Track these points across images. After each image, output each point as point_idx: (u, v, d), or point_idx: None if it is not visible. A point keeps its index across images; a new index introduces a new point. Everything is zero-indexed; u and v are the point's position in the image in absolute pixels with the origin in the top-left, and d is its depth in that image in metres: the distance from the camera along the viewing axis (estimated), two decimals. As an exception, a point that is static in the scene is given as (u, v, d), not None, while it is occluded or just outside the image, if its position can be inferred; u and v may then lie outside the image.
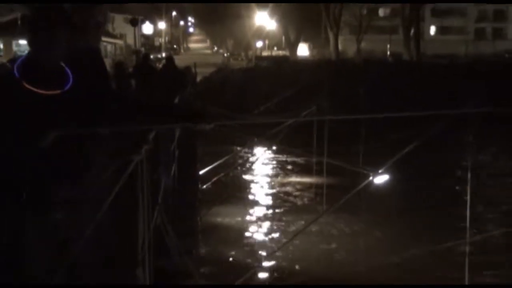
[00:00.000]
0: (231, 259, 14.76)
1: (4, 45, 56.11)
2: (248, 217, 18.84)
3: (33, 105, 3.95)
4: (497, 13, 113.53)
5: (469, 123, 8.15)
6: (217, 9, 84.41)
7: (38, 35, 4.09)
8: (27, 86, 3.97)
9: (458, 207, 8.60)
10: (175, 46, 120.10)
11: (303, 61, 69.63)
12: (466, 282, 7.53)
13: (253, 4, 76.51)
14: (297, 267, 14.04)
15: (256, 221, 18.55)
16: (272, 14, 78.90)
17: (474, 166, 8.41)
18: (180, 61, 46.05)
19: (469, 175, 8.20)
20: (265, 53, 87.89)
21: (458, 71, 46.15)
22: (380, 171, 12.09)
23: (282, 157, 26.90)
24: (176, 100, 14.89)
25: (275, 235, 17.16)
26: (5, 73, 4.03)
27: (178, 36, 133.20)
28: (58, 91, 4.10)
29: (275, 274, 13.62)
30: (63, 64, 4.15)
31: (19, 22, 51.75)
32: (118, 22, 75.89)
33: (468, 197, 8.00)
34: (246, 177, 24.61)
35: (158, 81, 17.38)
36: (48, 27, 4.06)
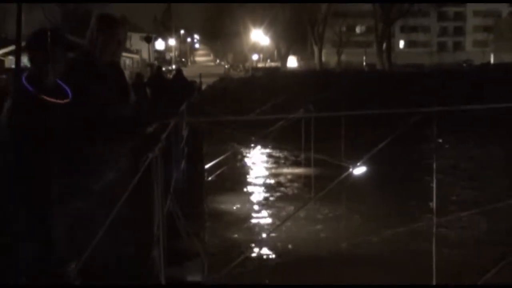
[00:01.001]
0: (233, 237, 14.78)
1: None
2: (246, 204, 18.85)
3: (48, 111, 3.94)
4: (456, 29, 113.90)
5: (433, 121, 8.10)
6: (219, 28, 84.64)
7: (36, 54, 4.10)
8: (43, 97, 3.95)
9: (425, 193, 8.58)
10: (183, 59, 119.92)
11: (292, 71, 69.68)
12: (434, 254, 7.47)
13: (249, 23, 76.65)
14: (289, 245, 14.03)
15: (253, 207, 18.56)
16: (265, 32, 79.19)
17: (438, 158, 8.38)
18: (187, 72, 46.06)
19: (434, 166, 8.15)
20: (260, 65, 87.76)
21: (423, 78, 46.23)
22: (358, 163, 12.07)
23: (275, 153, 26.91)
24: (184, 105, 14.84)
25: (270, 219, 17.17)
26: (21, 89, 4.01)
27: (185, 51, 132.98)
28: (66, 100, 4.09)
29: (271, 252, 13.61)
30: (58, 80, 4.14)
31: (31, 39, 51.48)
32: (135, 40, 75.84)
33: (434, 185, 7.96)
34: (244, 170, 24.63)
35: (169, 89, 17.37)
36: (45, 48, 4.06)
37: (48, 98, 3.97)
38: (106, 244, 3.70)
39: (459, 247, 13.01)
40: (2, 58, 43.82)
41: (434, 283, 7.29)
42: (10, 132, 3.89)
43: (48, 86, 4.04)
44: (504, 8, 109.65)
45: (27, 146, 3.84)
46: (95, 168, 4.27)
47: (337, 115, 18.10)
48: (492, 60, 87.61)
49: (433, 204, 8.05)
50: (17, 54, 3.40)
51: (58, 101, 4.02)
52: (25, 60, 4.51)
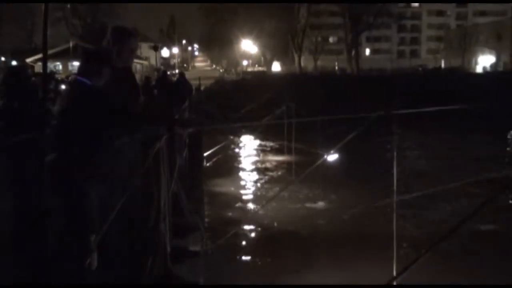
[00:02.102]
0: (228, 214, 14.78)
1: (62, 66, 55.67)
2: (238, 186, 18.84)
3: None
4: (413, 39, 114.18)
5: (395, 118, 8.13)
6: (215, 38, 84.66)
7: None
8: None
9: (388, 177, 8.64)
10: (185, 65, 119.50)
11: (276, 75, 69.57)
12: (394, 229, 7.50)
13: (240, 34, 76.64)
14: (274, 221, 14.04)
15: (244, 189, 18.55)
16: (254, 41, 79.20)
17: (399, 149, 8.39)
18: (188, 75, 45.98)
19: (395, 154, 8.18)
20: (249, 69, 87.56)
21: (385, 80, 46.35)
22: (331, 152, 12.10)
23: (262, 143, 26.90)
24: (187, 103, 14.81)
25: (258, 198, 17.18)
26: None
27: (187, 58, 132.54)
28: None
29: (259, 226, 13.62)
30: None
31: (71, 49, 51.78)
32: (144, 48, 75.44)
33: (395, 170, 7.99)
34: (237, 157, 24.62)
35: (173, 90, 17.29)
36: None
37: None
38: (121, 220, 3.70)
39: (415, 221, 13.09)
40: (33, 64, 43.67)
41: (394, 249, 7.33)
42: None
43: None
44: (452, 22, 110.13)
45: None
46: (112, 156, 4.27)
47: (314, 115, 18.15)
48: (442, 65, 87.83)
49: (394, 186, 8.11)
50: (44, 60, 3.37)
51: None
52: (51, 66, 4.50)
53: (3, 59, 63.01)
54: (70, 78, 4.22)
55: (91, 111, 3.89)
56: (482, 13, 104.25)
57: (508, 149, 28.46)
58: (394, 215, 7.72)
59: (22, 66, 5.60)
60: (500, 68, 72.26)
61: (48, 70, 5.17)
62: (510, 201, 14.74)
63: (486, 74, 62.29)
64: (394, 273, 6.91)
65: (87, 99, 3.95)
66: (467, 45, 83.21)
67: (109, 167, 4.03)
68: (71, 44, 54.01)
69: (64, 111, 3.92)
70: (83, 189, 3.82)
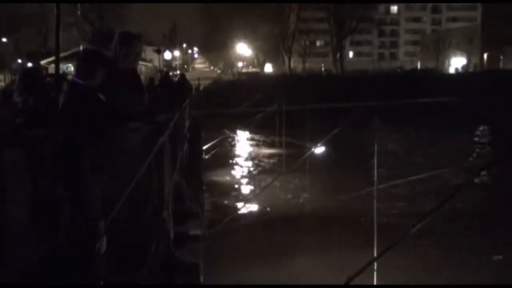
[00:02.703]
0: (224, 201, 14.80)
1: (74, 67, 55.37)
2: (234, 176, 18.87)
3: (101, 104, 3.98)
4: (392, 43, 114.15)
5: (376, 113, 8.14)
6: (213, 42, 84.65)
7: (86, 67, 4.13)
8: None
9: (369, 167, 8.67)
10: (185, 66, 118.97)
11: (268, 75, 69.48)
12: (375, 214, 7.52)
13: (235, 38, 76.60)
14: (267, 207, 14.07)
15: (239, 179, 18.57)
16: (248, 45, 79.18)
17: (379, 141, 8.41)
18: (188, 76, 45.96)
19: (375, 147, 8.20)
20: (244, 70, 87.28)
21: (367, 80, 46.38)
22: (319, 145, 12.12)
23: (256, 137, 26.91)
24: (187, 101, 14.76)
25: (252, 187, 17.20)
26: (73, 83, 4.03)
27: (187, 60, 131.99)
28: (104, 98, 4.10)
29: (253, 212, 13.64)
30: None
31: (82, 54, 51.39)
32: (148, 51, 75.11)
33: (375, 161, 8.01)
34: (233, 150, 24.63)
35: (175, 89, 17.22)
36: (91, 64, 4.11)
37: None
38: (128, 208, 3.69)
39: (394, 206, 13.13)
40: (47, 65, 43.44)
41: (375, 231, 7.33)
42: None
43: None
44: (427, 27, 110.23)
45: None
46: (118, 149, 4.24)
47: (302, 112, 18.21)
48: (419, 66, 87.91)
49: (375, 176, 8.13)
50: (56, 62, 3.35)
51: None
52: (64, 67, 4.48)
53: (19, 61, 62.66)
54: (70, 78, 4.19)
55: (85, 109, 3.86)
56: (455, 19, 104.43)
57: (476, 139, 28.58)
58: (375, 201, 7.75)
59: (37, 67, 5.57)
60: (471, 69, 72.56)
61: (61, 71, 5.15)
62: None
63: (458, 74, 62.46)
64: (375, 254, 6.92)
65: (80, 98, 3.91)
66: (441, 48, 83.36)
67: (111, 160, 4.01)
68: (81, 48, 53.72)
69: (62, 109, 3.90)
70: (87, 180, 3.80)
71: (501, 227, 12.15)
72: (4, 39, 65.78)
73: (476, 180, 14.74)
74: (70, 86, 4.04)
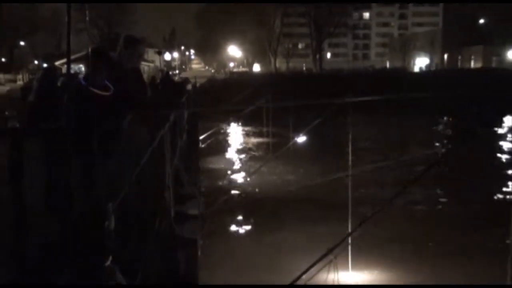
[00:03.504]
0: (219, 184, 14.77)
1: (85, 68, 54.79)
2: (227, 162, 18.84)
3: (94, 99, 3.92)
4: (364, 45, 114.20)
5: (349, 108, 8.15)
6: (207, 45, 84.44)
7: (90, 65, 4.09)
8: (91, 89, 3.92)
9: (344, 155, 8.69)
10: (183, 66, 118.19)
11: (257, 74, 69.27)
12: (349, 195, 7.53)
13: (227, 41, 76.43)
14: (256, 189, 14.08)
15: (232, 165, 18.55)
16: (238, 47, 78.99)
17: (354, 132, 8.42)
18: (186, 75, 46.04)
19: (349, 137, 8.21)
20: (235, 70, 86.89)
21: (343, 77, 46.40)
22: (301, 135, 12.12)
23: (246, 128, 26.88)
24: (185, 97, 14.66)
25: (243, 172, 17.19)
26: (78, 83, 3.98)
27: (185, 61, 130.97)
28: (108, 93, 4.05)
29: (244, 194, 13.64)
30: (105, 81, 4.11)
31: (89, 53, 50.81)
32: (150, 53, 74.54)
33: (350, 149, 8.02)
34: (226, 139, 24.58)
35: (174, 86, 17.10)
36: (95, 62, 4.07)
37: (95, 90, 3.94)
38: (134, 190, 3.67)
39: (365, 188, 13.17)
40: (61, 66, 42.89)
41: (349, 209, 7.35)
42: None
43: (97, 83, 4.01)
44: (395, 31, 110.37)
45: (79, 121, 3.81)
46: (124, 138, 4.22)
47: (286, 106, 18.19)
48: (388, 66, 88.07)
49: (349, 161, 8.15)
50: (68, 63, 3.32)
51: (103, 93, 3.99)
52: (76, 68, 4.44)
53: (36, 62, 61.97)
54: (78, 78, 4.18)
55: (80, 105, 3.85)
56: (419, 24, 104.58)
57: (437, 129, 28.74)
58: (349, 184, 7.77)
59: (51, 67, 5.50)
60: (433, 68, 72.87)
61: (73, 71, 5.09)
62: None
63: (421, 72, 62.77)
64: (349, 229, 6.94)
65: (82, 97, 3.89)
66: (407, 49, 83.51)
67: (118, 147, 3.99)
68: (90, 50, 53.07)
69: (68, 106, 3.89)
70: (100, 165, 3.78)
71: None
72: (22, 43, 65.08)
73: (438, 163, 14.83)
74: (75, 87, 4.02)
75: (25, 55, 65.19)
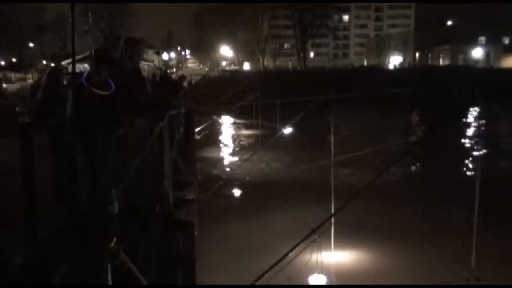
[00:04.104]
0: (213, 172, 14.75)
1: (89, 67, 54.32)
2: (221, 152, 18.81)
3: (95, 99, 3.88)
4: (344, 45, 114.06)
5: (331, 103, 8.16)
6: (201, 45, 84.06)
7: (93, 65, 4.03)
8: (92, 89, 3.88)
9: (327, 144, 8.70)
10: (180, 65, 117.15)
11: (246, 72, 69.04)
12: (332, 179, 7.54)
13: (220, 42, 76.03)
14: (247, 176, 14.10)
15: (225, 154, 18.52)
16: (230, 47, 78.64)
17: (335, 124, 8.44)
18: (182, 73, 45.84)
19: (332, 128, 8.23)
20: (227, 68, 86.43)
21: (325, 75, 46.40)
22: (287, 127, 12.14)
23: (237, 121, 26.80)
24: (181, 93, 14.58)
25: (235, 161, 17.18)
26: (80, 83, 3.93)
27: (181, 60, 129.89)
28: (108, 92, 4.01)
29: (236, 180, 13.64)
30: (108, 79, 4.05)
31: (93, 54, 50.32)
32: (149, 53, 73.93)
33: (332, 139, 8.05)
34: (219, 131, 24.51)
35: (172, 83, 17.00)
36: (98, 63, 4.02)
37: (96, 90, 3.89)
38: (136, 177, 3.66)
39: (346, 174, 13.24)
40: (67, 66, 42.30)
41: (332, 193, 7.37)
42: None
43: (98, 82, 3.96)
44: (372, 32, 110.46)
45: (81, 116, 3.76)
46: (128, 131, 4.19)
47: (274, 102, 18.20)
48: (365, 63, 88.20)
49: (331, 151, 8.17)
50: (73, 63, 3.28)
51: (103, 92, 3.94)
52: (81, 67, 4.39)
53: (44, 62, 61.18)
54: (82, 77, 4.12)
55: (85, 104, 3.82)
56: (393, 26, 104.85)
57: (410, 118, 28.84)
58: (332, 170, 7.80)
59: (57, 67, 5.41)
60: (406, 65, 73.16)
61: (78, 70, 5.03)
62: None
63: (395, 69, 62.94)
64: (332, 209, 6.97)
65: (79, 95, 3.85)
66: (382, 49, 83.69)
67: (123, 139, 3.96)
68: (93, 50, 52.47)
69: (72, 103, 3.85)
70: (104, 155, 3.75)
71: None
72: (31, 44, 64.28)
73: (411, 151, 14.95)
74: (78, 86, 3.97)
75: (34, 56, 64.32)
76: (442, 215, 10.14)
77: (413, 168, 14.67)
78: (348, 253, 8.10)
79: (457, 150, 17.55)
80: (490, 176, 9.23)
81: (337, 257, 7.48)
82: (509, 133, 22.77)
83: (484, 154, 16.47)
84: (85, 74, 4.01)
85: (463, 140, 19.81)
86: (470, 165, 14.90)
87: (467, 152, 17.42)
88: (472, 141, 19.73)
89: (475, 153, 16.98)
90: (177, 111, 10.33)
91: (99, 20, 61.80)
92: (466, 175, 13.69)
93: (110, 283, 2.00)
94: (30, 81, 46.24)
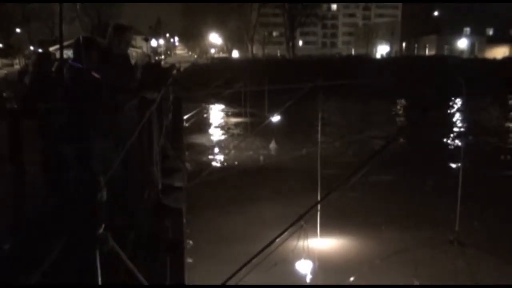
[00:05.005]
0: (202, 159, 14.73)
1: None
2: (209, 139, 18.77)
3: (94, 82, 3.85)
4: (332, 34, 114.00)
5: (319, 89, 8.16)
6: (190, 32, 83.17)
7: (81, 53, 3.99)
8: (91, 73, 3.85)
9: (315, 131, 8.70)
10: (168, 52, 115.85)
11: (235, 59, 68.60)
12: (318, 166, 7.58)
13: (208, 29, 75.31)
14: (235, 162, 14.11)
15: (214, 141, 18.49)
16: (219, 34, 77.92)
17: (322, 111, 8.46)
18: (171, 60, 45.35)
19: (319, 115, 8.25)
20: (216, 55, 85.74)
21: (313, 63, 46.30)
22: (275, 114, 12.12)
23: (226, 108, 26.72)
24: (170, 79, 14.42)
25: (223, 147, 17.17)
26: (77, 67, 3.88)
27: (169, 47, 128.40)
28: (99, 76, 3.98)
29: (225, 167, 13.65)
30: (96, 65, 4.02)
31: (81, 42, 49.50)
32: (138, 40, 72.87)
33: (319, 126, 8.07)
34: (208, 118, 24.43)
35: (160, 70, 16.83)
36: (86, 49, 3.97)
37: (95, 74, 3.87)
38: (125, 164, 3.63)
39: (333, 160, 13.29)
40: (54, 52, 41.58)
41: (319, 179, 7.41)
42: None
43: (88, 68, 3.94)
44: (360, 21, 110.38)
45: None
46: (116, 118, 4.15)
47: (262, 89, 18.13)
48: (353, 53, 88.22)
49: (319, 138, 8.20)
50: (61, 49, 3.23)
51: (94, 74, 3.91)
52: (69, 53, 4.32)
53: (32, 48, 60.11)
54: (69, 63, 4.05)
55: (80, 85, 3.76)
56: (381, 15, 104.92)
57: (393, 108, 29.10)
58: (319, 157, 7.83)
59: (47, 53, 5.30)
60: (392, 55, 73.39)
61: (66, 56, 4.94)
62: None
63: (382, 59, 63.15)
64: (319, 197, 7.02)
65: (76, 77, 3.80)
66: (370, 38, 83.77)
67: (111, 125, 3.93)
68: (81, 37, 51.63)
69: (65, 87, 3.79)
70: (92, 142, 3.72)
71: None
72: (18, 30, 63.09)
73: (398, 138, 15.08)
74: (68, 69, 3.91)
75: (21, 41, 63.12)
76: (429, 203, 10.27)
77: (398, 157, 14.81)
78: (333, 239, 8.19)
79: (441, 138, 17.75)
80: (473, 164, 9.38)
81: (323, 243, 7.56)
82: (492, 123, 23.09)
83: (466, 143, 16.68)
84: (70, 61, 3.96)
85: (447, 129, 20.02)
86: (453, 155, 15.08)
87: (449, 142, 17.64)
88: (455, 131, 19.96)
89: (458, 143, 17.18)
90: (166, 97, 10.26)
91: (87, 6, 60.71)
92: (450, 163, 13.85)
93: (99, 270, 2.00)
94: (17, 66, 45.43)
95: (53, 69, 5.15)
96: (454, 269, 6.56)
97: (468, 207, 7.43)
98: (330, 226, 7.92)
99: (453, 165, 13.89)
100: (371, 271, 6.87)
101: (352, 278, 6.56)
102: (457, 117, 23.70)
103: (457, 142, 17.25)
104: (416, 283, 5.89)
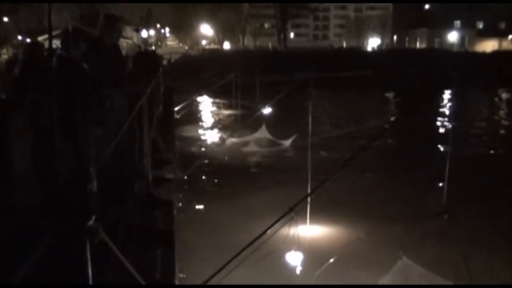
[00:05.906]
0: (192, 151, 14.70)
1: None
2: (200, 131, 18.71)
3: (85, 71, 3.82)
4: (324, 26, 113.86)
5: (311, 81, 8.17)
6: (181, 23, 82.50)
7: (70, 43, 3.97)
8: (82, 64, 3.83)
9: (306, 124, 8.72)
10: (159, 43, 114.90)
11: (227, 51, 68.23)
12: (309, 160, 7.59)
13: (200, 21, 74.72)
14: (225, 155, 14.10)
15: (205, 133, 18.46)
16: (210, 26, 77.39)
17: (313, 104, 8.47)
18: (161, 51, 45.05)
19: (310, 108, 8.26)
20: (207, 47, 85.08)
21: (304, 56, 46.22)
22: (266, 106, 12.12)
23: (217, 100, 26.62)
24: (161, 70, 14.34)
25: (215, 139, 17.15)
26: (65, 56, 3.84)
27: (160, 38, 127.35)
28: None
29: (215, 159, 13.63)
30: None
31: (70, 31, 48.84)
32: (128, 30, 72.15)
33: (310, 119, 8.09)
34: (199, 110, 24.34)
35: (150, 60, 16.72)
36: (75, 38, 3.93)
37: (84, 65, 3.85)
38: (115, 156, 3.61)
39: (326, 154, 13.35)
40: (43, 41, 40.99)
41: (309, 174, 7.44)
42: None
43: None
44: (351, 14, 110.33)
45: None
46: (106, 109, 4.12)
47: (253, 80, 18.12)
48: (344, 45, 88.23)
49: (309, 127, 8.22)
50: (49, 39, 3.19)
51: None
52: (57, 43, 4.26)
53: (19, 37, 59.23)
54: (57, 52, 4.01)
55: (71, 75, 3.72)
56: (372, 8, 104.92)
57: (383, 102, 29.21)
58: (309, 151, 7.85)
59: (37, 42, 5.21)
60: (383, 48, 73.59)
61: (54, 46, 4.87)
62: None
63: (373, 51, 63.31)
64: (309, 190, 7.04)
65: (65, 66, 3.77)
66: (361, 31, 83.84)
67: (102, 116, 3.90)
68: (70, 27, 50.94)
69: (54, 76, 3.75)
70: (83, 132, 3.69)
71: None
72: (5, 19, 62.02)
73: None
74: (57, 58, 3.87)
75: (9, 31, 62.06)
76: (417, 195, 10.35)
77: (387, 150, 14.89)
78: (323, 229, 8.26)
79: (430, 130, 17.89)
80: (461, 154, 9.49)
81: (312, 233, 7.61)
82: (480, 115, 23.33)
83: (455, 134, 16.84)
84: (58, 51, 3.92)
85: (436, 121, 20.19)
86: (442, 146, 15.21)
87: (439, 133, 17.81)
88: (444, 122, 20.13)
89: (446, 134, 17.35)
90: (157, 89, 10.20)
91: (76, -5, 59.88)
92: (439, 154, 13.98)
93: (89, 261, 1.99)
94: (5, 56, 44.80)
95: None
96: (443, 236, 6.56)
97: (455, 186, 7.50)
98: (321, 217, 7.97)
99: (441, 148, 14.08)
100: (358, 246, 6.89)
101: (335, 257, 6.50)
102: (447, 107, 23.86)
103: (446, 125, 17.43)
104: (402, 256, 5.90)
